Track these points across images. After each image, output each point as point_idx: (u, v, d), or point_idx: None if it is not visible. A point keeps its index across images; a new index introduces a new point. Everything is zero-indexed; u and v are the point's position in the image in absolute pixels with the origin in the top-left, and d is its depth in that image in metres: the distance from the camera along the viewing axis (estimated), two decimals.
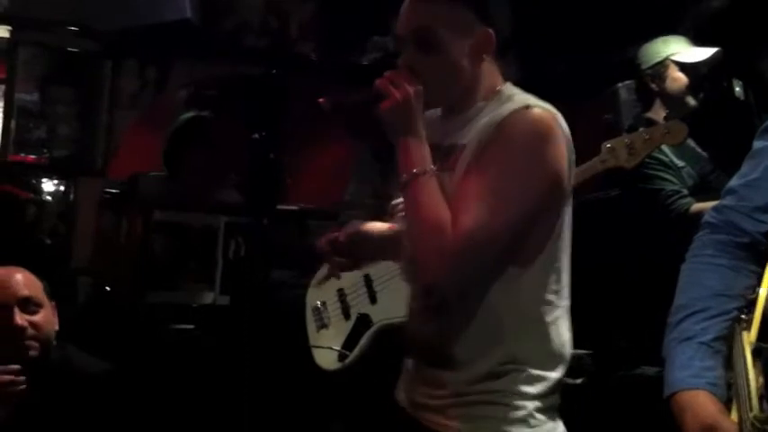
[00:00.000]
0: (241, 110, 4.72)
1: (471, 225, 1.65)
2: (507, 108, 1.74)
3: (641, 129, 3.00)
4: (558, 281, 1.78)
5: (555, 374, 1.77)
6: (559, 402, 1.79)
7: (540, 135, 1.70)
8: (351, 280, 2.90)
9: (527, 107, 1.73)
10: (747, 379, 1.41)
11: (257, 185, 4.03)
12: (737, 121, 3.73)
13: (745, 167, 1.68)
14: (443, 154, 1.79)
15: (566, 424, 1.81)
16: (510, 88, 1.83)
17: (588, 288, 2.29)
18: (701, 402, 1.51)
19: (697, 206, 3.20)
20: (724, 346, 1.53)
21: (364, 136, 3.45)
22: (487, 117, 1.76)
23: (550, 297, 1.77)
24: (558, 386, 1.79)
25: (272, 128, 4.56)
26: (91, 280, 4.38)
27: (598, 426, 2.89)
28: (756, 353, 1.40)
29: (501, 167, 1.68)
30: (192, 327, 3.77)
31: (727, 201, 1.68)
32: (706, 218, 1.71)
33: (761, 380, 1.39)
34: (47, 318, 2.39)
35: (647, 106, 3.49)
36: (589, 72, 4.22)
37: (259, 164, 4.29)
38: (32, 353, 2.31)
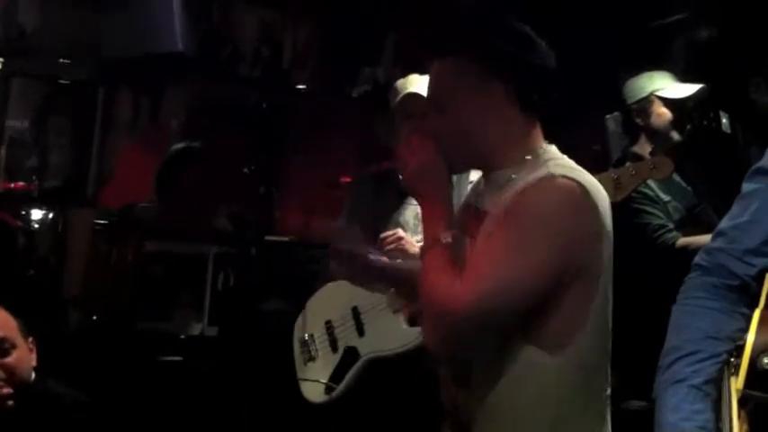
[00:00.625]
0: (234, 141, 4.76)
1: (471, 296, 1.57)
2: (532, 177, 1.64)
3: (628, 164, 3.02)
4: (598, 370, 1.69)
5: None
6: None
7: (556, 208, 1.61)
8: (339, 312, 2.90)
9: (551, 177, 1.62)
10: (731, 428, 1.42)
11: (247, 216, 4.05)
12: (723, 153, 3.76)
13: (734, 209, 1.67)
14: (474, 218, 1.72)
15: None
16: (548, 152, 1.71)
17: None
18: None
19: (683, 240, 3.22)
20: (714, 390, 1.53)
21: None
22: (515, 183, 1.66)
23: (580, 389, 1.66)
24: None
25: (264, 160, 4.62)
26: (80, 310, 4.37)
27: None
28: (743, 401, 1.40)
29: (509, 240, 1.59)
30: (180, 359, 3.76)
31: (718, 243, 1.66)
32: (697, 260, 1.69)
33: (745, 428, 1.39)
34: (20, 358, 2.38)
35: (633, 140, 3.53)
36: (577, 102, 4.25)
37: (249, 196, 4.33)
38: (4, 393, 2.31)
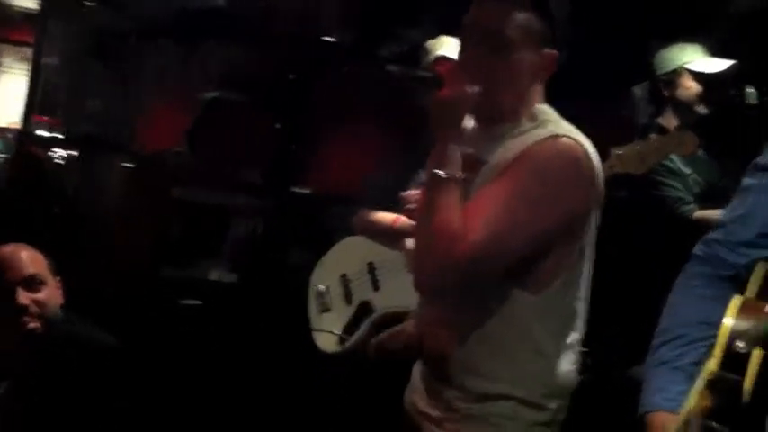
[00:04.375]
0: (267, 95, 4.79)
1: (479, 238, 1.65)
2: (536, 134, 1.74)
3: (652, 137, 3.01)
4: (570, 314, 1.79)
5: (552, 405, 1.78)
6: None
7: (562, 167, 1.70)
8: (355, 266, 2.94)
9: (555, 136, 1.72)
10: (690, 400, 1.46)
11: (275, 168, 4.09)
12: (748, 127, 3.73)
13: (734, 202, 1.73)
14: (468, 165, 1.78)
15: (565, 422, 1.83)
16: (544, 111, 1.81)
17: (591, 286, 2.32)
18: (668, 423, 1.57)
19: (700, 213, 3.23)
20: (699, 372, 1.58)
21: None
22: (516, 140, 1.75)
23: (558, 328, 1.77)
24: (556, 417, 1.80)
25: (297, 114, 4.63)
26: (105, 252, 4.46)
27: (592, 425, 2.93)
28: (714, 382, 1.43)
29: (518, 191, 1.68)
30: (199, 302, 3.83)
31: (716, 234, 1.73)
32: (695, 250, 1.75)
33: (706, 404, 1.43)
34: (50, 294, 2.43)
35: (659, 111, 3.51)
36: (606, 70, 4.22)
37: (278, 150, 4.36)
38: (34, 327, 2.37)
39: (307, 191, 4.47)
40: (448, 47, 2.94)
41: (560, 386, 1.79)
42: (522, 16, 1.76)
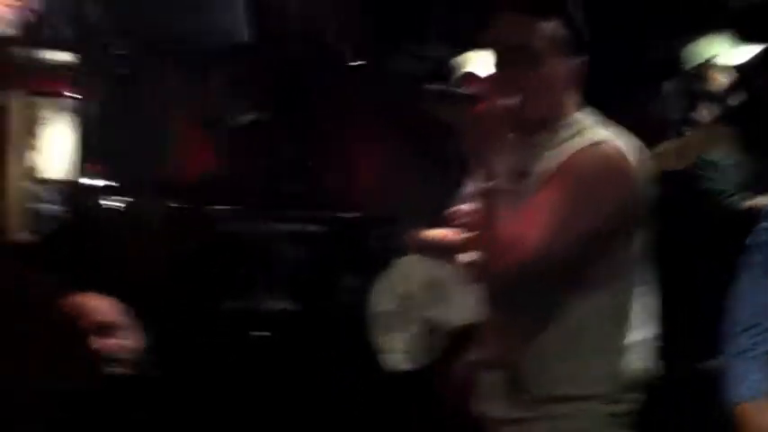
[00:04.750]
0: (299, 118, 4.87)
1: (535, 245, 1.72)
2: (576, 143, 1.81)
3: (689, 132, 3.07)
4: (627, 312, 1.85)
5: (622, 399, 1.85)
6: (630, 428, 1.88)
7: (604, 173, 1.77)
8: (414, 285, 3.00)
9: (594, 144, 1.79)
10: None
11: (317, 194, 4.17)
12: None
13: None
14: (512, 176, 1.84)
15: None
16: (580, 119, 1.87)
17: None
18: (759, 412, 1.68)
19: (747, 203, 3.28)
20: None
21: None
22: (555, 149, 1.82)
23: (616, 327, 1.85)
24: (627, 410, 1.87)
25: (330, 138, 4.72)
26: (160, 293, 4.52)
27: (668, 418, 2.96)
28: None
29: (564, 199, 1.75)
30: (266, 333, 3.87)
31: (765, 224, 1.82)
32: (750, 240, 1.83)
33: None
34: (125, 339, 2.50)
35: (692, 106, 3.55)
36: (633, 66, 4.26)
37: (318, 172, 4.43)
38: (111, 373, 2.44)
39: (355, 214, 4.53)
40: (475, 63, 3.01)
41: (627, 381, 1.86)
42: (546, 26, 1.81)
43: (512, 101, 1.79)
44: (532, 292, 1.79)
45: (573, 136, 1.83)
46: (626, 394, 1.87)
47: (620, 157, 1.79)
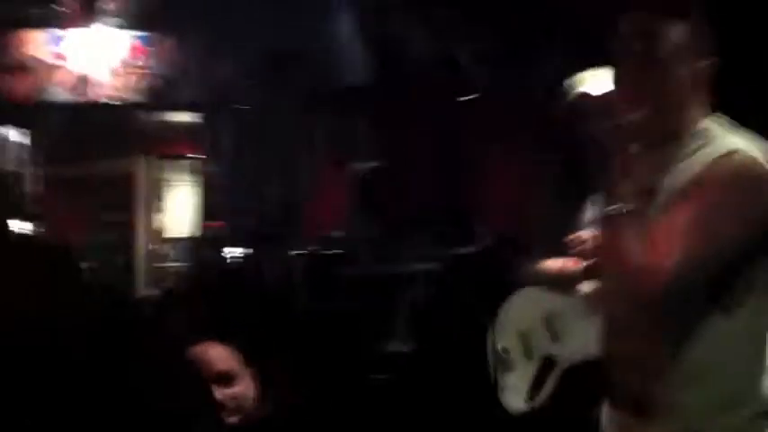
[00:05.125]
0: (422, 157, 4.86)
1: (674, 265, 1.62)
2: (708, 154, 1.70)
3: None
4: (764, 334, 1.74)
5: (762, 426, 1.71)
6: None
7: (742, 184, 1.66)
8: (531, 320, 2.89)
9: (729, 153, 1.68)
10: None
11: (441, 233, 4.11)
12: None
13: None
14: (639, 194, 1.74)
15: None
16: (710, 128, 1.76)
17: None
18: None
19: None
20: None
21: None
22: (686, 161, 1.71)
23: (758, 348, 1.73)
24: None
25: (454, 172, 4.68)
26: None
27: None
28: None
29: (702, 213, 1.64)
30: (385, 376, 3.85)
31: None
32: None
33: None
34: (245, 388, 2.49)
35: None
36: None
37: (441, 211, 4.40)
38: (234, 422, 2.43)
39: (471, 249, 4.46)
40: (590, 83, 2.89)
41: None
42: (675, 31, 1.72)
43: (639, 113, 1.70)
44: (668, 317, 1.68)
45: (704, 146, 1.72)
46: (765, 420, 1.73)
47: (757, 165, 1.67)
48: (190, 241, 6.47)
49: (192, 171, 6.75)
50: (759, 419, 1.72)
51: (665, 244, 1.63)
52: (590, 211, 2.85)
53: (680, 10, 1.74)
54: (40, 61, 6.77)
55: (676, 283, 1.62)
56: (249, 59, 6.31)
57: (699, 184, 1.66)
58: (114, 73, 6.80)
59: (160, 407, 2.35)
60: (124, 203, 7.08)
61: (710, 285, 1.66)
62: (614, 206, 1.68)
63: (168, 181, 7.14)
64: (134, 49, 6.85)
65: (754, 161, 1.67)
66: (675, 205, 1.67)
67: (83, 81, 6.83)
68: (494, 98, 5.09)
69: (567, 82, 3.05)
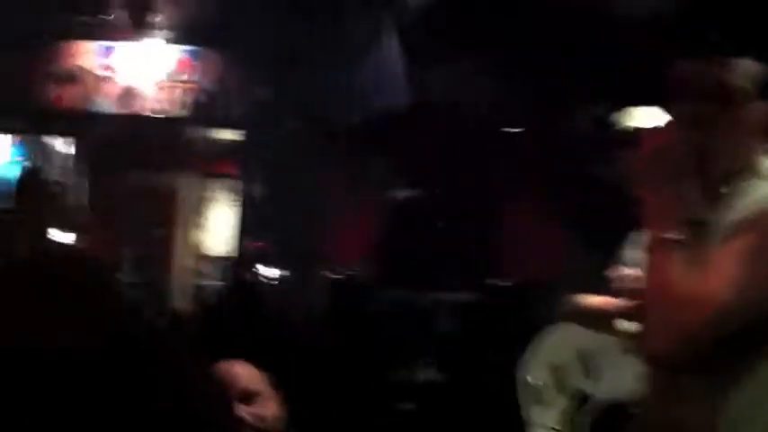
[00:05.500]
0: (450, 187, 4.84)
1: (726, 300, 1.56)
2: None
3: None
4: None
5: None
6: None
7: None
8: (565, 355, 2.85)
9: None
10: None
11: (469, 260, 4.08)
12: None
13: None
14: (695, 228, 1.68)
15: None
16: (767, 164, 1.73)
17: None
18: None
19: None
20: None
21: None
22: (748, 197, 1.66)
23: None
24: None
25: (480, 204, 4.66)
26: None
27: None
28: None
29: (760, 252, 1.58)
30: (413, 406, 3.82)
31: None
32: None
33: None
34: (268, 408, 2.48)
35: None
36: None
37: (470, 240, 4.37)
38: None
39: (507, 283, 4.40)
40: (641, 118, 2.86)
41: None
42: (750, 65, 1.69)
43: (695, 141, 1.65)
44: (718, 355, 1.59)
45: (763, 184, 1.67)
46: None
47: None
48: (229, 260, 6.49)
49: (235, 190, 6.77)
50: None
51: (721, 276, 1.57)
52: (631, 249, 2.79)
53: (749, 46, 1.72)
54: (89, 72, 6.87)
55: (722, 321, 1.55)
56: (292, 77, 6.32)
57: (754, 223, 1.60)
58: (160, 86, 6.86)
59: (182, 421, 2.34)
60: (166, 219, 7.12)
61: (759, 324, 1.57)
62: (665, 235, 1.61)
63: (211, 199, 7.18)
64: (181, 63, 6.92)
65: None
66: (735, 239, 1.60)
67: (129, 93, 6.91)
68: (535, 131, 5.05)
69: (616, 116, 3.01)
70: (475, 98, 5.42)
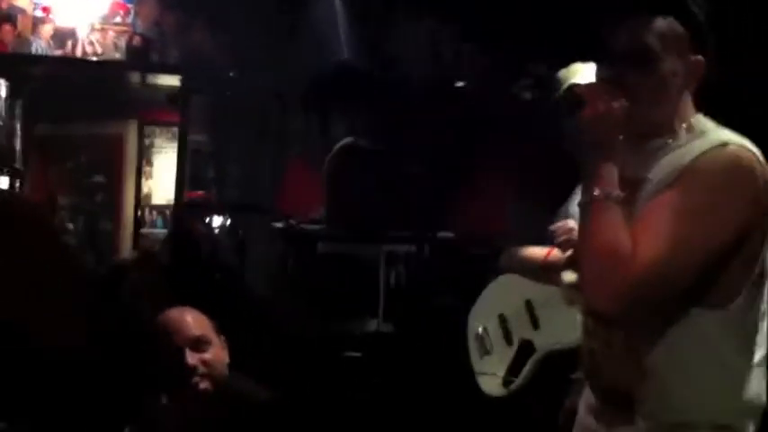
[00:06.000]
0: (401, 141, 4.86)
1: (651, 259, 1.58)
2: (700, 145, 1.67)
3: None
4: (754, 330, 1.70)
5: (745, 426, 1.70)
6: None
7: (733, 176, 1.63)
8: (512, 305, 2.90)
9: (723, 145, 1.65)
10: None
11: (416, 214, 4.13)
12: None
13: None
14: (625, 185, 1.69)
15: None
16: (701, 121, 1.74)
17: None
18: None
19: None
20: None
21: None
22: (678, 152, 1.68)
23: (743, 346, 1.70)
24: None
25: (431, 159, 4.68)
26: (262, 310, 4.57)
27: None
28: None
29: (688, 205, 1.61)
30: (358, 354, 3.87)
31: None
32: None
33: None
34: (217, 354, 2.50)
35: None
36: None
37: (417, 193, 4.40)
38: (205, 388, 2.42)
39: (451, 235, 4.46)
40: (581, 74, 2.90)
41: (752, 406, 1.70)
42: (662, 23, 1.70)
43: (622, 102, 1.67)
44: (651, 306, 1.64)
45: (694, 138, 1.69)
46: (749, 421, 1.71)
47: (751, 158, 1.64)
48: (175, 208, 6.43)
49: (180, 139, 6.67)
50: (743, 417, 1.70)
51: (643, 237, 1.60)
52: (576, 202, 2.87)
53: (672, 5, 1.71)
54: (24, 12, 6.68)
55: (650, 278, 1.58)
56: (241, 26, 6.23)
57: (687, 175, 1.63)
58: (94, 29, 6.72)
59: (131, 367, 2.35)
60: (110, 167, 7.01)
61: (695, 278, 1.61)
62: (597, 193, 1.64)
63: (156, 147, 7.07)
64: (115, 5, 6.79)
65: (746, 153, 1.64)
66: (663, 194, 1.64)
67: (67, 35, 6.74)
68: (480, 90, 5.08)
69: (561, 72, 3.05)
70: (419, 56, 5.44)
